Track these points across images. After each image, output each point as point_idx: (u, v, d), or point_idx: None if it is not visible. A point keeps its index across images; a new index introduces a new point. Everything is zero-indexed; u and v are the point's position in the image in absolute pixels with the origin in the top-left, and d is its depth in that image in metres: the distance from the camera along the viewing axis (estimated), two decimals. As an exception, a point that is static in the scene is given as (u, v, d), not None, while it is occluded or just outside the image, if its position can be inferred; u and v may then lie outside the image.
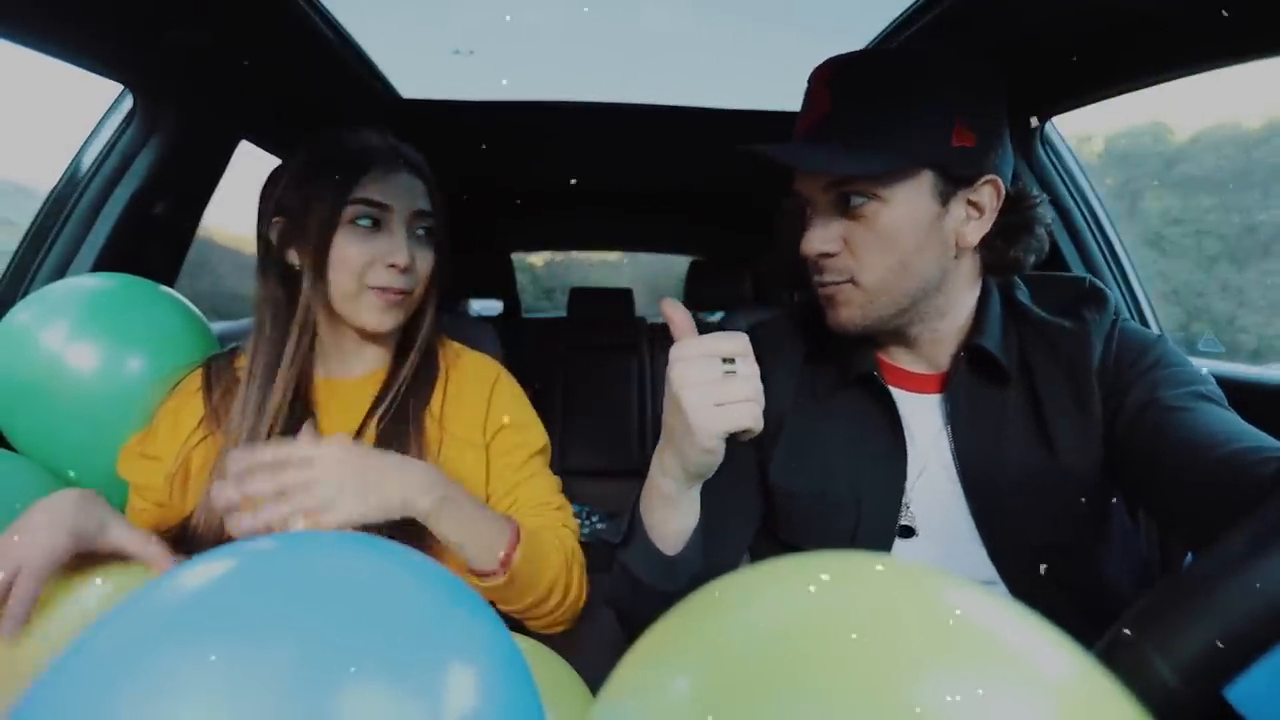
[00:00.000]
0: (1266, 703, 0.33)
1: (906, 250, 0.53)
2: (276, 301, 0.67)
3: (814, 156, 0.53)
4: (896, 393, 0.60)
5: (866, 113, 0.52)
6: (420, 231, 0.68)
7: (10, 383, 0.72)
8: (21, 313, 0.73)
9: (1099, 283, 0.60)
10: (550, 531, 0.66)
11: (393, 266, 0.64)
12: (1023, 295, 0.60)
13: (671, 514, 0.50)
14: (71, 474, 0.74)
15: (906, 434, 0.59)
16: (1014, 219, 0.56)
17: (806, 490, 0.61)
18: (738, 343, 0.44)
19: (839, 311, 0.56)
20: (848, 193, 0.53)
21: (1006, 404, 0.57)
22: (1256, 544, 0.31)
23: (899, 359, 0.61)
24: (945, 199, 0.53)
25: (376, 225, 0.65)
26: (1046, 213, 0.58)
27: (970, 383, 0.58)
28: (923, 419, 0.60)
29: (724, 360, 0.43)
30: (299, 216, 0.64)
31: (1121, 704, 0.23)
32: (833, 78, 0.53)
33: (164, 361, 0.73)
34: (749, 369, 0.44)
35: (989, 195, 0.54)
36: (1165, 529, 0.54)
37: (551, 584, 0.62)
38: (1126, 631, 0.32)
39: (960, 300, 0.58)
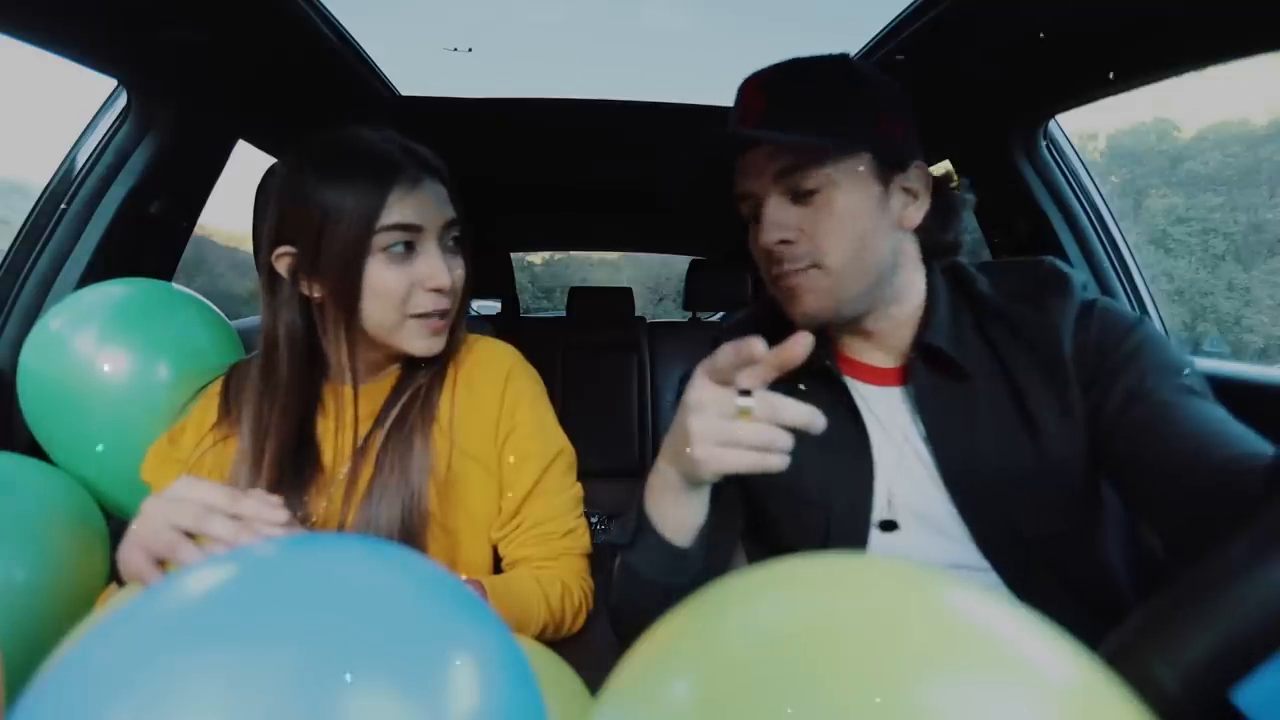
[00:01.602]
0: (1275, 707, 0.32)
1: (862, 229, 0.55)
2: (293, 332, 0.61)
3: (778, 135, 0.54)
4: (861, 386, 0.60)
5: (804, 104, 0.55)
6: (450, 242, 0.62)
7: (45, 390, 0.73)
8: (54, 319, 0.74)
9: (1059, 264, 0.60)
10: (536, 577, 0.63)
11: (436, 290, 0.60)
12: (982, 285, 0.60)
13: (684, 511, 0.50)
14: (104, 486, 0.75)
15: (871, 427, 0.59)
16: (940, 202, 0.60)
17: (776, 487, 0.60)
18: (736, 361, 0.41)
19: (804, 301, 0.57)
20: (797, 180, 0.55)
21: (976, 394, 0.57)
22: (1259, 547, 0.31)
23: (859, 352, 0.62)
24: (885, 182, 0.56)
25: (409, 247, 0.59)
26: (968, 197, 0.63)
27: (931, 375, 0.58)
28: (891, 411, 0.59)
29: (742, 393, 0.42)
30: (312, 248, 0.58)
31: (1126, 707, 0.23)
32: (767, 82, 0.57)
33: (191, 367, 0.74)
34: (765, 413, 0.42)
35: (918, 179, 0.58)
36: (1150, 525, 0.54)
37: (536, 634, 0.60)
38: (1129, 636, 0.31)
39: (911, 285, 0.60)
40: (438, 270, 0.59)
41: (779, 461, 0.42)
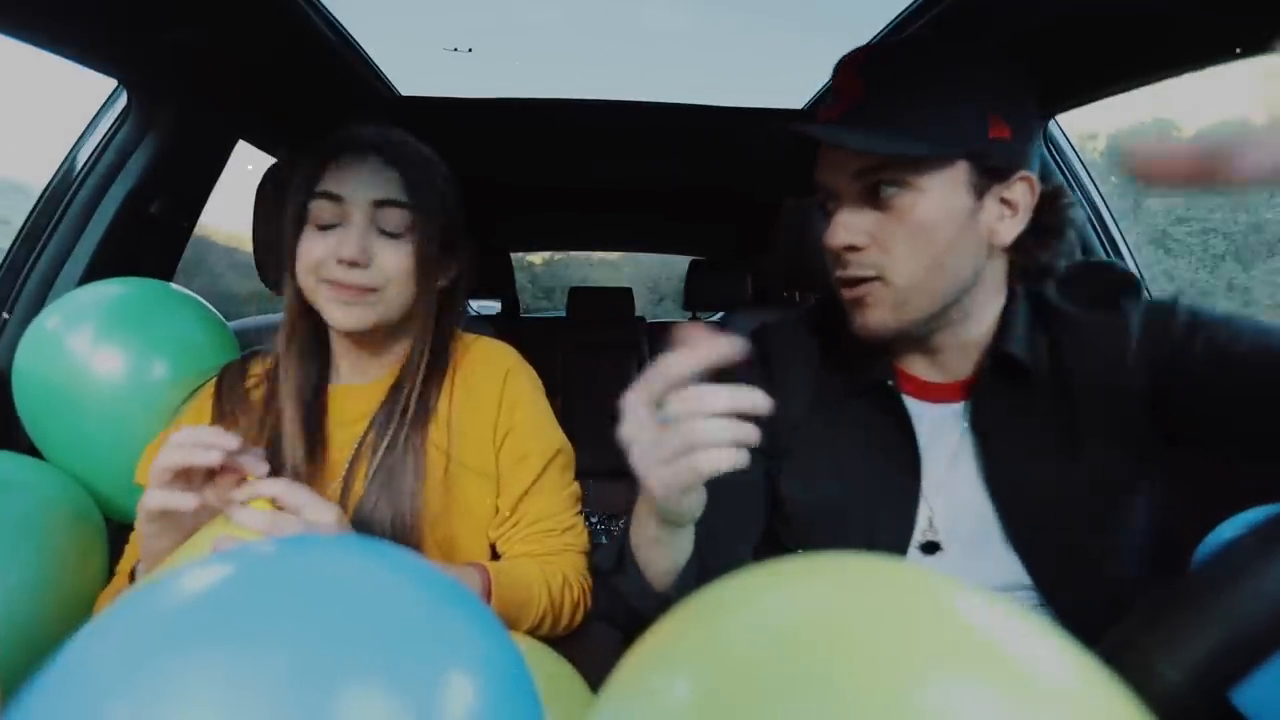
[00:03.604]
0: (1274, 707, 0.32)
1: (940, 246, 0.50)
2: (293, 310, 0.65)
3: (854, 136, 0.50)
4: (914, 403, 0.58)
5: (903, 98, 0.50)
6: (387, 225, 0.61)
7: (39, 388, 0.73)
8: (49, 318, 0.74)
9: (1120, 264, 0.59)
10: (539, 563, 0.63)
11: (348, 263, 0.59)
12: (1052, 295, 0.57)
13: (663, 553, 0.48)
14: (99, 486, 0.75)
15: (922, 446, 0.57)
16: (1047, 219, 0.53)
17: (818, 503, 0.59)
18: (662, 380, 0.38)
19: (868, 315, 0.53)
20: (879, 182, 0.50)
21: (1034, 410, 0.54)
22: (1265, 547, 0.31)
23: (917, 368, 0.59)
24: (980, 193, 0.51)
25: (337, 220, 0.60)
26: (1079, 215, 0.55)
27: (995, 390, 0.55)
28: (942, 430, 0.57)
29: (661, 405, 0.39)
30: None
31: (1128, 710, 0.23)
32: (865, 64, 0.51)
33: (187, 367, 0.73)
34: (684, 408, 0.38)
35: (1023, 192, 0.52)
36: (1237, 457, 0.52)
37: (537, 620, 0.61)
38: (1131, 631, 0.31)
39: (987, 305, 0.55)
40: (347, 241, 0.59)
41: (716, 459, 0.37)
